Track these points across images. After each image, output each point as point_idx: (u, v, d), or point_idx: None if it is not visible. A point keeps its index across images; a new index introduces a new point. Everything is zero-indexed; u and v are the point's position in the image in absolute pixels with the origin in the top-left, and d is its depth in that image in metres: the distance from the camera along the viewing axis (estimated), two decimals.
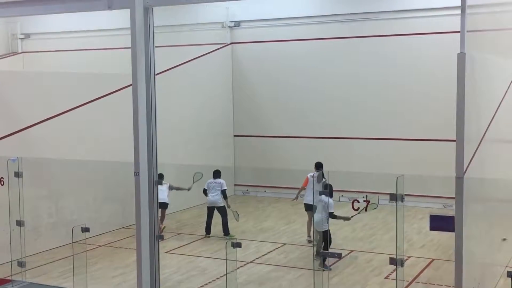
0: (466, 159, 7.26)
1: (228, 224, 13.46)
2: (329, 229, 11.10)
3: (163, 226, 13.77)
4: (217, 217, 13.56)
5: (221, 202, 13.47)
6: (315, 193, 11.65)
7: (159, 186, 12.93)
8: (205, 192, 13.59)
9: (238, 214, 13.27)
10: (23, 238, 10.47)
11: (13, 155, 10.54)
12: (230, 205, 13.50)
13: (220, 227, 13.48)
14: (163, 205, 13.59)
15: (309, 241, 12.95)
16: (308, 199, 12.66)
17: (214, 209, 13.56)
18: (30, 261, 11.04)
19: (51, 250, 12.33)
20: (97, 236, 13.02)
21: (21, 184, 10.37)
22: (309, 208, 12.62)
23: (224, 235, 13.37)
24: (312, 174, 12.43)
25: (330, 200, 10.91)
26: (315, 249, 11.03)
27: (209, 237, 13.53)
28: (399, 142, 16.73)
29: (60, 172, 12.99)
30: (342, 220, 11.39)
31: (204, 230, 13.73)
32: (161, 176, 13.16)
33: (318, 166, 12.86)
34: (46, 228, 12.77)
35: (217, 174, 13.67)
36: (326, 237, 10.91)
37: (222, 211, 13.48)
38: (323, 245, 11.00)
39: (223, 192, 13.44)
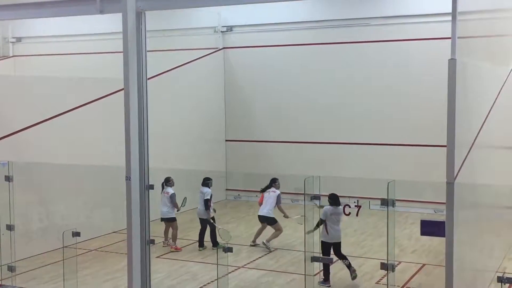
0: (457, 165, 7.30)
1: (216, 234, 12.70)
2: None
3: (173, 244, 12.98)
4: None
5: (204, 214, 12.75)
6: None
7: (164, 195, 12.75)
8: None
9: (228, 233, 11.93)
10: (13, 243, 10.41)
11: (4, 159, 10.49)
12: (211, 216, 12.73)
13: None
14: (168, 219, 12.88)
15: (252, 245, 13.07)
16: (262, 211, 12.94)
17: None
18: (20, 266, 10.98)
19: (42, 255, 12.26)
20: (88, 240, 12.94)
21: (11, 188, 10.33)
22: (263, 220, 13.00)
23: (213, 246, 12.72)
24: (269, 190, 12.92)
25: None
26: None
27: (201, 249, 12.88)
28: (390, 147, 16.78)
29: (51, 176, 12.92)
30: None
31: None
32: (168, 180, 13.04)
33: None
34: (37, 232, 12.71)
35: (204, 181, 12.89)
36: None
37: (204, 223, 12.78)
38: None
39: (205, 202, 12.62)
